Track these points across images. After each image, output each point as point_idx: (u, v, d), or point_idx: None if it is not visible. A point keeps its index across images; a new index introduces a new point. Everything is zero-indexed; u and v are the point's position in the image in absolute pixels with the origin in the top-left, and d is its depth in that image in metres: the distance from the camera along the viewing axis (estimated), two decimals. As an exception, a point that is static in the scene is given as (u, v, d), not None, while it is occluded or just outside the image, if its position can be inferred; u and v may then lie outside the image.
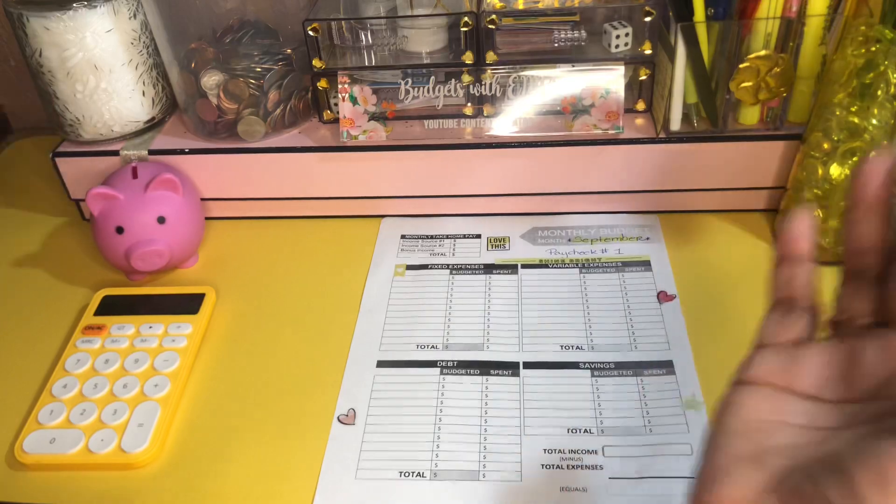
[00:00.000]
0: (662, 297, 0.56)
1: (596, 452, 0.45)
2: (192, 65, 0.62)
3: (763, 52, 0.55)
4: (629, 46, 0.60)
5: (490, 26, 0.58)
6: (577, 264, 0.59)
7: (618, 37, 0.59)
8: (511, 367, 0.51)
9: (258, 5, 0.63)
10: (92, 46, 0.60)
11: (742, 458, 0.24)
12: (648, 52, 0.59)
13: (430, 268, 0.60)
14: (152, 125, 0.66)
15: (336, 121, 0.64)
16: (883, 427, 0.23)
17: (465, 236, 0.63)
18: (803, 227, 0.29)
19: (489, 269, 0.60)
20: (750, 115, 0.59)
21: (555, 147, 0.60)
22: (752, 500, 0.23)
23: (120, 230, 0.56)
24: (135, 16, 0.62)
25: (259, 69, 0.61)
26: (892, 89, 0.50)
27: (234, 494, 0.45)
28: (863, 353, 0.25)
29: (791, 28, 0.55)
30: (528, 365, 0.51)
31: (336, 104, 0.62)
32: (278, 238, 0.65)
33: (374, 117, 0.61)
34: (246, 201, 0.66)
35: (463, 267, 0.60)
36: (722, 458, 0.24)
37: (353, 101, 0.60)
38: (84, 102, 0.62)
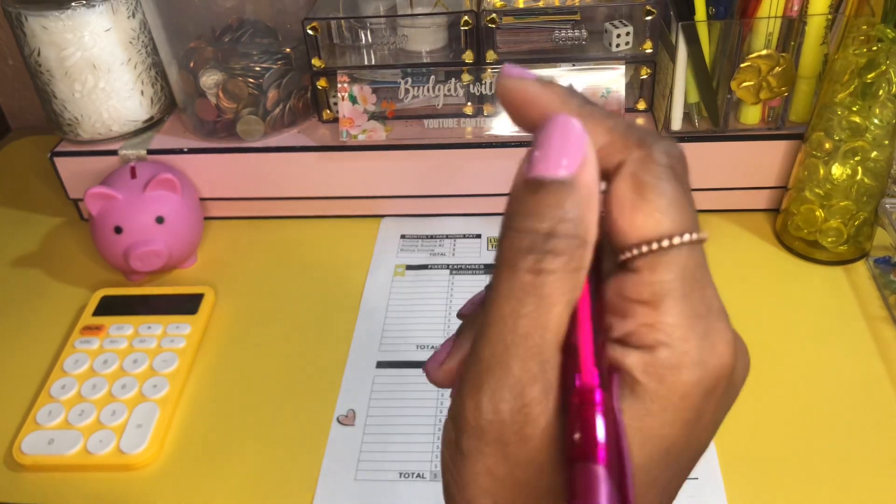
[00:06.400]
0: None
1: (597, 453, 0.45)
2: (191, 64, 0.61)
3: (764, 52, 0.55)
4: (630, 45, 0.60)
5: (490, 25, 0.58)
6: (577, 264, 0.59)
7: (619, 36, 0.59)
8: (511, 368, 0.51)
9: (257, 4, 0.62)
10: (90, 46, 0.60)
11: None
12: (649, 51, 0.59)
13: (430, 268, 0.60)
14: (151, 125, 0.66)
15: (335, 120, 0.63)
16: None
17: (465, 236, 0.63)
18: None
19: (489, 269, 0.59)
20: (751, 115, 0.59)
21: (555, 146, 0.59)
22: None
23: (118, 230, 0.56)
24: (133, 15, 0.62)
25: (258, 68, 0.61)
26: (894, 89, 0.50)
27: (233, 495, 0.44)
28: None
29: (792, 27, 0.55)
30: (528, 365, 0.51)
31: (335, 103, 0.62)
32: (278, 238, 0.65)
33: (373, 117, 0.61)
34: (245, 201, 0.66)
35: (463, 267, 0.60)
36: None
37: (353, 100, 0.60)
38: (82, 102, 0.62)
